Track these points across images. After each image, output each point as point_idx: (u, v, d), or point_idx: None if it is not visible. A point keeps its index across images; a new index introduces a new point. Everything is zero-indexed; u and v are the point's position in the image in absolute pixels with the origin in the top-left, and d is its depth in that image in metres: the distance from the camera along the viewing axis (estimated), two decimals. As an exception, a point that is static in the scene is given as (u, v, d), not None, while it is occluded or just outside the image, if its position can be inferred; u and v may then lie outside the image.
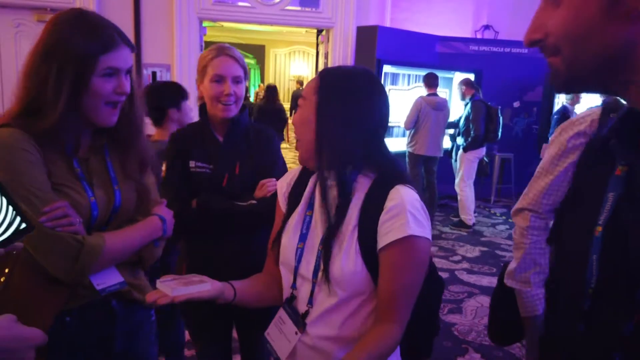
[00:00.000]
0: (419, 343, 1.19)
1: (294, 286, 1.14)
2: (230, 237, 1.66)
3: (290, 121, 2.52)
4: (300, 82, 13.46)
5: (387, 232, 1.02)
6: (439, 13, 7.45)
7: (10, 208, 0.83)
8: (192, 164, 1.69)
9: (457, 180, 5.64)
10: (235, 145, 1.71)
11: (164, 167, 1.74)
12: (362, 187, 1.09)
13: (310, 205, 1.16)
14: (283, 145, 8.85)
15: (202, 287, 1.07)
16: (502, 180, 7.01)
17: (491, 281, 4.09)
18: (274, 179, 1.64)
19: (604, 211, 0.68)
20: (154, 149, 1.40)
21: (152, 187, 1.36)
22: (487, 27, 7.57)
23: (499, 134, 5.68)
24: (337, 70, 1.12)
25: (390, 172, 1.10)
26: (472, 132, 5.39)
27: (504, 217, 6.29)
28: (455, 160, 5.74)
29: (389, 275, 1.03)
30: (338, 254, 1.05)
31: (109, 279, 1.14)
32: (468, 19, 7.65)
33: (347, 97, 1.06)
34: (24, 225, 0.84)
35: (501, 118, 5.74)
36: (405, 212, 1.02)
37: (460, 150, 5.58)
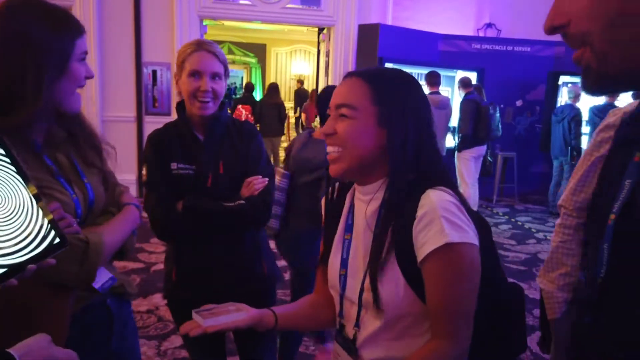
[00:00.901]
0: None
1: (341, 314, 1.10)
2: (219, 238, 1.62)
3: (318, 129, 2.37)
4: (301, 82, 13.40)
5: (424, 244, 0.94)
6: (441, 11, 7.40)
7: (46, 221, 0.76)
8: (173, 165, 1.62)
9: (459, 181, 5.61)
10: (218, 143, 1.65)
11: (144, 171, 1.67)
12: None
13: (348, 228, 1.09)
14: (282, 138, 9.00)
15: (236, 316, 1.05)
16: (505, 179, 6.97)
17: (494, 281, 4.04)
18: (260, 176, 1.61)
19: (619, 198, 0.64)
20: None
21: (112, 172, 1.33)
22: (489, 25, 7.53)
23: (494, 133, 5.66)
24: (380, 72, 1.06)
25: (425, 174, 1.02)
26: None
27: (506, 217, 6.25)
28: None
29: (434, 289, 0.95)
30: (380, 275, 0.99)
31: (101, 277, 1.10)
32: (470, 17, 7.61)
33: (408, 101, 1.01)
34: (58, 240, 0.77)
35: (497, 117, 5.72)
36: (439, 219, 0.93)
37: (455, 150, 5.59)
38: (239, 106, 8.20)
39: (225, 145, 1.66)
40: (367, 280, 1.00)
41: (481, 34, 7.46)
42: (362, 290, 1.02)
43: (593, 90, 0.60)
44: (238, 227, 1.62)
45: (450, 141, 5.93)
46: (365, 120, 1.00)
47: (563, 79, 6.96)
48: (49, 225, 0.76)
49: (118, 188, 1.31)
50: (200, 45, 1.61)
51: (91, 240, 1.08)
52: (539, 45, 6.97)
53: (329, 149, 1.04)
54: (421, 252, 0.94)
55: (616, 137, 0.74)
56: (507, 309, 1.08)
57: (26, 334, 0.76)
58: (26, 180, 0.77)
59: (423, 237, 0.94)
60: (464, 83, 5.72)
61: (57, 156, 1.18)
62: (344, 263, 1.07)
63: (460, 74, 6.28)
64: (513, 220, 6.10)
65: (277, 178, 2.39)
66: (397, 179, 1.00)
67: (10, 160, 0.77)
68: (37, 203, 0.77)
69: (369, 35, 6.16)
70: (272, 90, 7.99)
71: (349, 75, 1.05)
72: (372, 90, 1.00)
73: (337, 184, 1.18)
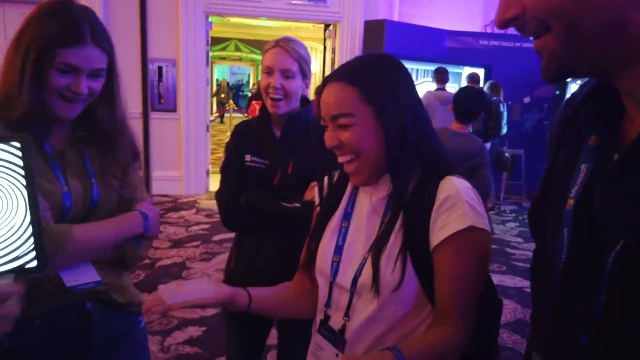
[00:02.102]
0: None
1: (328, 304, 1.06)
2: (274, 235, 1.63)
3: (455, 123, 3.01)
4: None
5: (444, 226, 0.92)
6: (448, 7, 7.35)
7: (30, 241, 0.69)
8: (247, 157, 1.65)
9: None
10: (292, 142, 1.64)
11: (222, 158, 1.73)
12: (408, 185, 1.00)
13: (346, 215, 1.08)
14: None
15: (204, 293, 1.00)
16: (512, 177, 6.92)
17: (501, 279, 4.01)
18: None
19: (577, 183, 0.63)
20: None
21: (138, 186, 1.31)
22: (497, 21, 7.46)
23: (502, 129, 5.61)
24: (359, 67, 1.01)
25: (438, 164, 1.01)
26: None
27: (513, 215, 6.20)
28: None
29: (447, 272, 0.93)
30: (382, 257, 0.96)
31: (82, 277, 1.07)
32: (478, 13, 7.55)
33: (397, 87, 0.98)
34: (33, 264, 0.69)
35: (505, 113, 5.67)
36: (463, 202, 0.92)
37: None
38: (253, 102, 8.27)
39: (300, 145, 1.64)
40: (366, 264, 0.98)
41: (489, 31, 7.40)
42: (358, 275, 0.99)
43: (555, 77, 0.59)
44: (288, 228, 1.59)
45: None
46: (366, 123, 0.97)
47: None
48: (32, 247, 0.69)
49: (138, 199, 1.28)
50: (278, 42, 1.61)
51: (52, 228, 1.05)
52: (548, 41, 6.89)
53: (341, 159, 1.01)
54: (440, 235, 0.93)
55: (562, 121, 0.72)
56: (486, 321, 1.05)
57: None
58: (31, 195, 0.70)
59: (444, 220, 0.93)
60: (472, 79, 5.68)
61: (67, 152, 1.18)
62: (339, 249, 1.05)
63: (467, 70, 6.24)
64: (520, 218, 6.06)
65: None
66: (395, 166, 0.98)
67: (25, 171, 0.70)
68: (30, 220, 0.69)
69: (375, 31, 6.12)
70: None
71: (327, 81, 1.01)
72: (359, 90, 0.97)
73: (337, 172, 1.15)
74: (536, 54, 0.59)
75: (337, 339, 1.03)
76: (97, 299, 1.20)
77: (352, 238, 1.05)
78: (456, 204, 0.93)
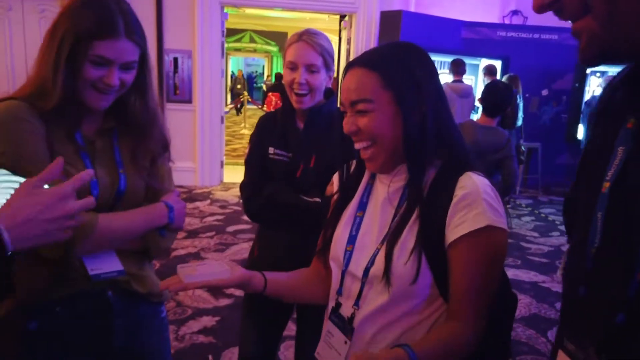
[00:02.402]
0: None
1: (339, 291, 1.07)
2: (294, 228, 1.63)
3: (482, 116, 3.16)
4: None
5: (461, 223, 0.92)
6: (466, -2, 7.25)
7: None
8: (270, 150, 1.65)
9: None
10: (315, 136, 1.62)
11: (247, 150, 1.74)
12: (426, 177, 1.00)
13: (361, 205, 1.08)
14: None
15: (220, 274, 1.02)
16: (528, 170, 6.83)
17: (516, 274, 3.98)
18: None
19: (613, 166, 0.62)
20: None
21: (166, 177, 1.32)
22: (515, 12, 7.33)
23: (518, 121, 5.54)
24: (381, 54, 1.01)
25: (458, 158, 1.00)
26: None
27: (529, 209, 6.13)
28: None
29: (461, 269, 0.93)
30: (395, 248, 0.97)
31: (106, 265, 1.08)
32: (495, 4, 7.43)
33: (420, 77, 0.98)
34: None
35: (521, 105, 5.59)
36: (481, 200, 0.91)
37: None
38: (270, 94, 8.41)
39: (323, 139, 1.62)
40: (379, 255, 0.98)
41: (507, 21, 7.28)
42: (370, 265, 0.99)
43: (593, 60, 0.58)
44: (307, 222, 1.57)
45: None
46: (385, 110, 0.97)
47: (591, 67, 6.77)
48: None
49: (166, 190, 1.30)
50: (301, 36, 1.59)
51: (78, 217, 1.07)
52: (567, 33, 6.76)
53: (358, 145, 1.02)
54: (456, 232, 0.92)
55: (601, 103, 0.71)
56: (500, 317, 1.05)
57: None
58: None
59: (461, 217, 0.92)
60: (490, 71, 5.62)
61: (97, 142, 1.20)
62: (352, 239, 1.05)
63: (484, 62, 6.17)
64: (536, 212, 5.99)
65: None
66: (412, 154, 0.97)
67: None
68: None
69: (391, 22, 6.07)
70: (278, 79, 8.31)
71: (350, 67, 1.01)
72: (380, 76, 0.96)
73: (354, 161, 1.15)
74: (573, 37, 0.58)
75: (346, 326, 1.04)
76: (118, 288, 1.22)
77: (366, 228, 1.05)
78: (474, 202, 0.92)
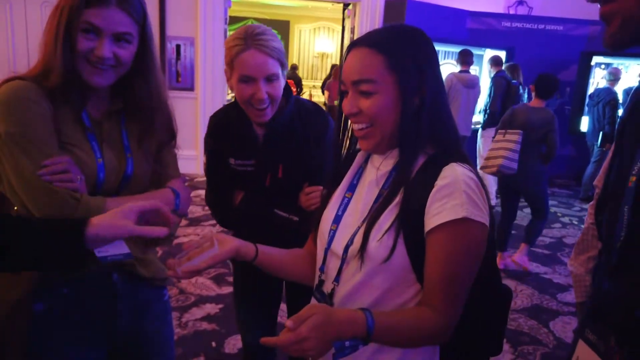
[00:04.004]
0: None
1: (322, 269, 1.09)
2: (271, 240, 1.59)
3: (535, 99, 3.96)
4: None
5: (438, 213, 0.92)
6: (471, -13, 7.18)
7: None
8: (231, 160, 1.53)
9: (477, 160, 5.51)
10: (277, 143, 1.50)
11: (204, 158, 1.64)
12: (416, 163, 1.00)
13: (351, 187, 1.09)
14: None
15: (209, 253, 1.03)
16: (531, 162, 6.81)
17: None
18: (321, 187, 1.42)
19: (639, 160, 0.62)
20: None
21: (172, 163, 1.32)
22: (520, 2, 7.28)
23: None
24: (386, 36, 0.99)
25: (448, 148, 1.00)
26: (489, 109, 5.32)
27: (531, 200, 6.12)
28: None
29: (436, 259, 0.93)
30: (374, 228, 0.98)
31: (112, 248, 1.09)
32: (501, -6, 7.36)
33: (423, 63, 0.97)
34: None
35: (525, 96, 5.56)
36: (460, 192, 0.91)
37: (480, 128, 5.47)
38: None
39: (287, 146, 1.51)
40: (359, 233, 0.99)
41: (512, 12, 7.22)
42: (350, 243, 1.00)
43: (626, 43, 0.57)
44: (284, 237, 1.41)
45: (479, 120, 5.81)
46: (388, 92, 0.96)
47: (596, 59, 6.72)
48: None
49: (172, 176, 1.29)
50: (251, 42, 1.36)
51: (86, 200, 1.08)
52: (572, 23, 6.72)
53: (355, 126, 1.01)
54: (433, 221, 0.92)
55: (633, 99, 0.71)
56: (493, 310, 1.06)
57: None
58: None
59: (439, 207, 0.92)
60: (495, 61, 5.58)
61: (104, 124, 1.19)
62: (337, 219, 1.07)
63: (489, 52, 6.13)
64: (538, 203, 5.98)
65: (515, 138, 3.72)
66: (406, 138, 0.97)
67: None
68: None
69: (395, 11, 6.02)
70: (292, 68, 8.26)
71: (354, 46, 0.99)
72: (385, 57, 0.95)
73: (348, 143, 1.15)
74: (602, 20, 0.57)
75: (327, 301, 1.05)
76: (123, 271, 1.23)
77: (352, 208, 1.06)
78: (453, 193, 0.91)
